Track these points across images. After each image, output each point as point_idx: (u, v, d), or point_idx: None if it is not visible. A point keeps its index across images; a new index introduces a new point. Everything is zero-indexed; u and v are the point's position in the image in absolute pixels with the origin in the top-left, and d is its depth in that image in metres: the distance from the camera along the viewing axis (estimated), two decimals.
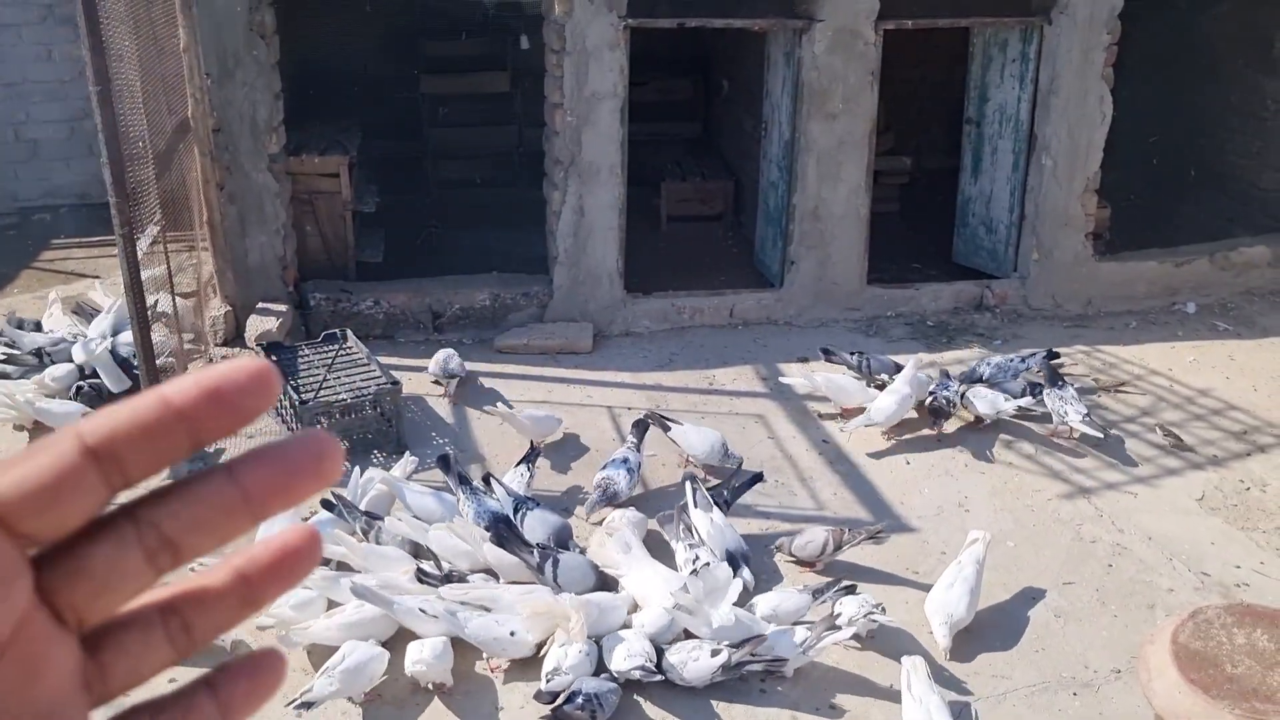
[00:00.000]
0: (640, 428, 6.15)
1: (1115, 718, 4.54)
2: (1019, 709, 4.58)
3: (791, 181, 8.18)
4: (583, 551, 5.24)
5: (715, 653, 4.54)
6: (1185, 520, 5.89)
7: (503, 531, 4.91)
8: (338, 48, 10.14)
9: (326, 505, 5.37)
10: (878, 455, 6.54)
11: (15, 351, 7.09)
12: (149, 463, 0.47)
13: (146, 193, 6.14)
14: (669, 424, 6.28)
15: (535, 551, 4.89)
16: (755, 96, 9.35)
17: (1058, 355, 7.56)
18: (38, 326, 7.53)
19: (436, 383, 7.15)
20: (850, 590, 4.99)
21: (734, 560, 5.09)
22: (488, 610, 4.61)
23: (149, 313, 6.02)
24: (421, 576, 4.74)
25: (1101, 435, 6.46)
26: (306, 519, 5.59)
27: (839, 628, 4.57)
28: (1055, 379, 6.77)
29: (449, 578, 4.77)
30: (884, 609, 4.85)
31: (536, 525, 5.30)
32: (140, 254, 5.95)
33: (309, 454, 0.49)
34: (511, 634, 4.50)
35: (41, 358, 7.08)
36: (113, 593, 0.48)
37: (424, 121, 10.85)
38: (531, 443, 6.15)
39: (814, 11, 7.75)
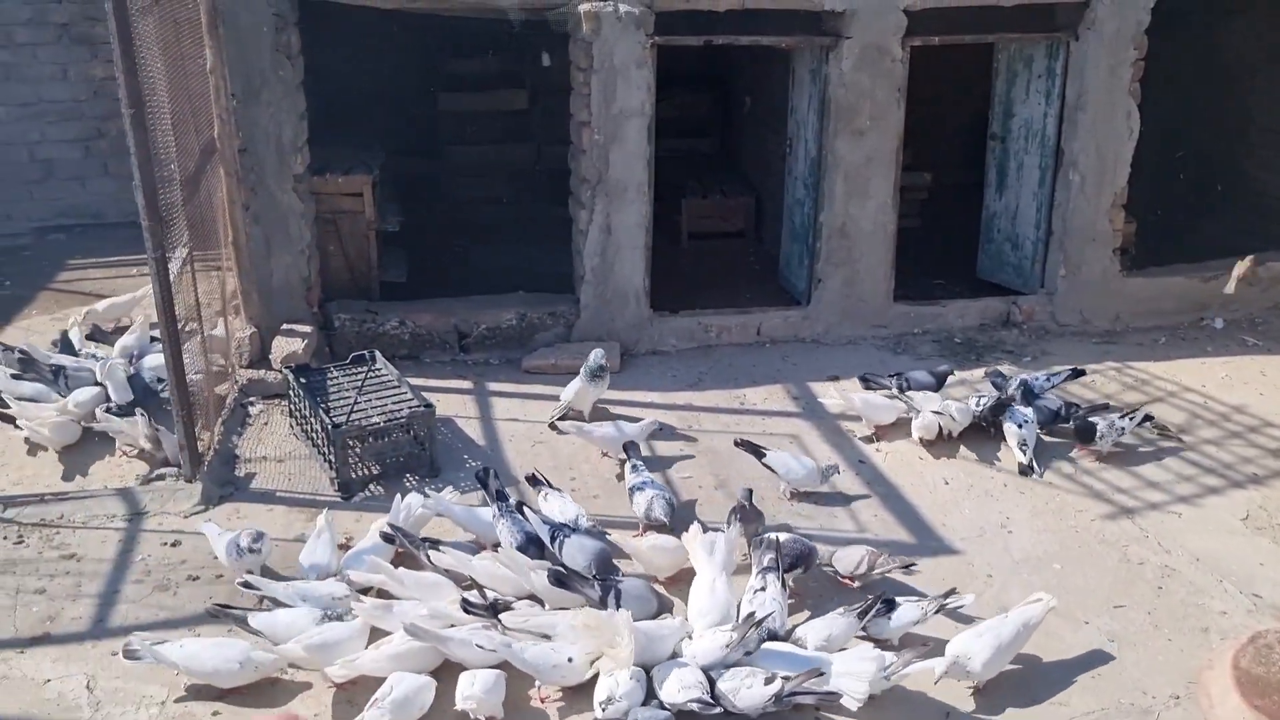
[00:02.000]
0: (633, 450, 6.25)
1: None
2: None
3: (818, 198, 8.13)
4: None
5: (769, 681, 4.46)
6: (1232, 541, 5.82)
7: (560, 574, 4.85)
8: (355, 66, 10.07)
9: (386, 537, 5.29)
10: (916, 476, 6.47)
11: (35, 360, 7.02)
12: None
13: (176, 215, 6.07)
14: (763, 451, 6.20)
15: (595, 585, 4.81)
16: (778, 113, 9.31)
17: (1083, 373, 7.51)
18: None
19: (556, 428, 6.86)
20: (890, 605, 4.93)
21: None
22: (545, 637, 4.53)
23: (181, 335, 5.94)
24: (467, 607, 4.66)
25: (1033, 471, 6.44)
26: (345, 545, 5.53)
27: (928, 646, 4.49)
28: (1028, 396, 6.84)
29: (494, 607, 4.69)
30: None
31: (576, 552, 5.22)
32: (171, 277, 5.87)
33: None
34: (569, 660, 4.43)
35: (58, 377, 7.01)
36: None
37: (441, 139, 10.79)
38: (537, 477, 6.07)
39: (842, 28, 7.71)
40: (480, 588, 4.85)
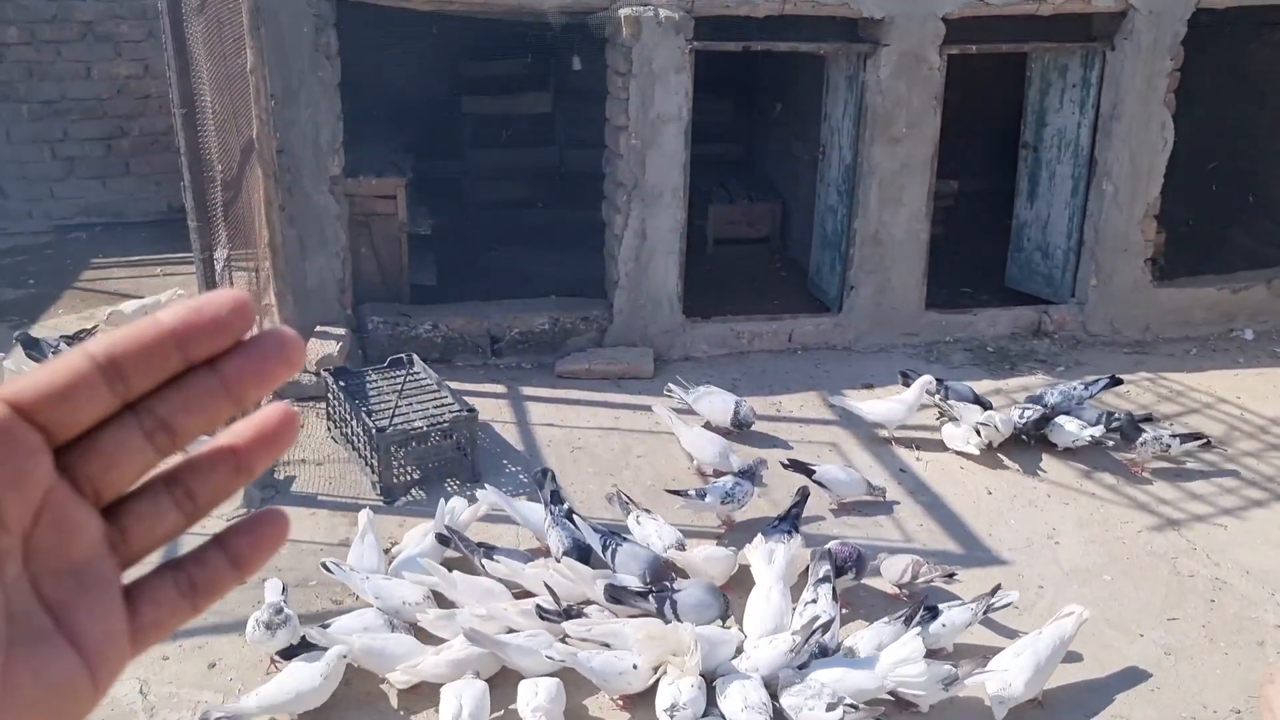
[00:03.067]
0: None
1: None
2: None
3: (852, 205, 8.12)
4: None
5: (831, 707, 4.41)
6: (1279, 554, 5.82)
7: (616, 590, 4.82)
8: (379, 68, 10.04)
9: (442, 540, 5.25)
10: (958, 485, 6.45)
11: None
12: (147, 375, 0.56)
13: (218, 216, 6.04)
14: (812, 469, 6.12)
15: (651, 598, 4.78)
16: (806, 119, 9.30)
17: (1121, 381, 7.50)
18: None
19: (703, 473, 6.49)
20: (934, 611, 4.91)
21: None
22: (607, 645, 4.50)
23: None
24: (542, 613, 4.63)
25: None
26: (388, 550, 5.49)
27: (986, 660, 4.47)
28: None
29: (568, 613, 4.66)
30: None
31: (629, 561, 5.20)
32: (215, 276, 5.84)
33: (274, 344, 0.58)
34: (634, 666, 4.40)
35: None
36: (121, 468, 0.57)
37: (464, 142, 10.75)
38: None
39: (880, 35, 7.70)
40: (553, 593, 4.81)
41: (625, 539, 5.37)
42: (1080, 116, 8.26)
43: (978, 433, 6.64)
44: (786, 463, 6.26)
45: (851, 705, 4.38)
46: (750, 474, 5.89)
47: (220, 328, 0.56)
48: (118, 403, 0.55)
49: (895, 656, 4.60)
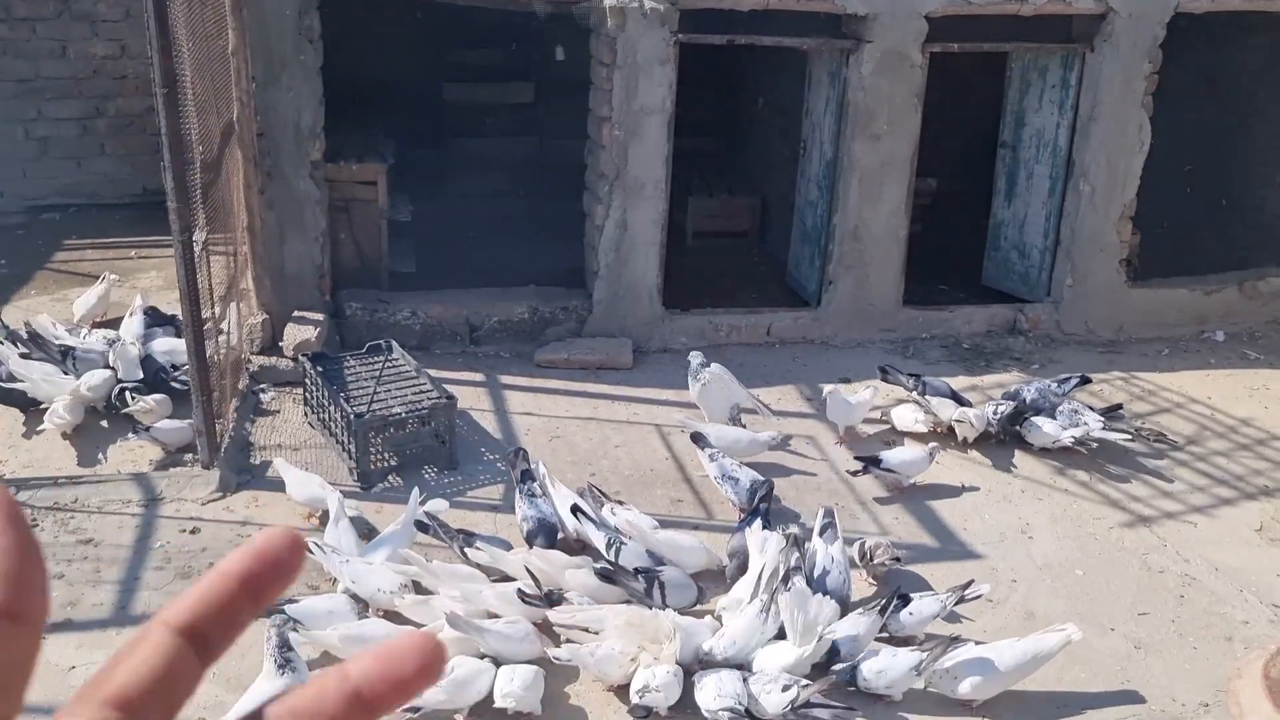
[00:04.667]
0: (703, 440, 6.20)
1: None
2: None
3: (832, 201, 8.15)
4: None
5: (786, 688, 4.46)
6: (1249, 552, 5.90)
7: (608, 571, 4.84)
8: (361, 53, 9.98)
9: (421, 526, 5.24)
10: (933, 480, 6.50)
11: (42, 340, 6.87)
12: (226, 632, 0.55)
13: (198, 198, 5.98)
14: (879, 457, 6.26)
15: (640, 577, 4.80)
16: (788, 114, 9.33)
17: (1090, 380, 7.57)
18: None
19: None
20: (905, 600, 4.96)
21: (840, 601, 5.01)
22: (586, 630, 4.52)
23: (203, 320, 5.86)
24: (524, 597, 4.63)
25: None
26: (366, 538, 5.46)
27: (959, 640, 4.51)
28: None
29: (550, 597, 4.66)
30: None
31: (633, 559, 5.19)
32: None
33: (414, 655, 0.54)
34: (633, 660, 4.43)
35: (66, 359, 6.88)
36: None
37: (445, 130, 10.71)
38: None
39: (863, 33, 7.73)
40: (535, 578, 4.82)
41: (627, 541, 5.34)
42: (1059, 117, 8.33)
43: (952, 429, 6.74)
44: (859, 464, 6.29)
45: (805, 683, 4.42)
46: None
47: (283, 571, 0.56)
48: (204, 669, 0.55)
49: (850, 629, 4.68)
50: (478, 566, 5.12)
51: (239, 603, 0.55)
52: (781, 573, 4.76)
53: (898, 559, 5.49)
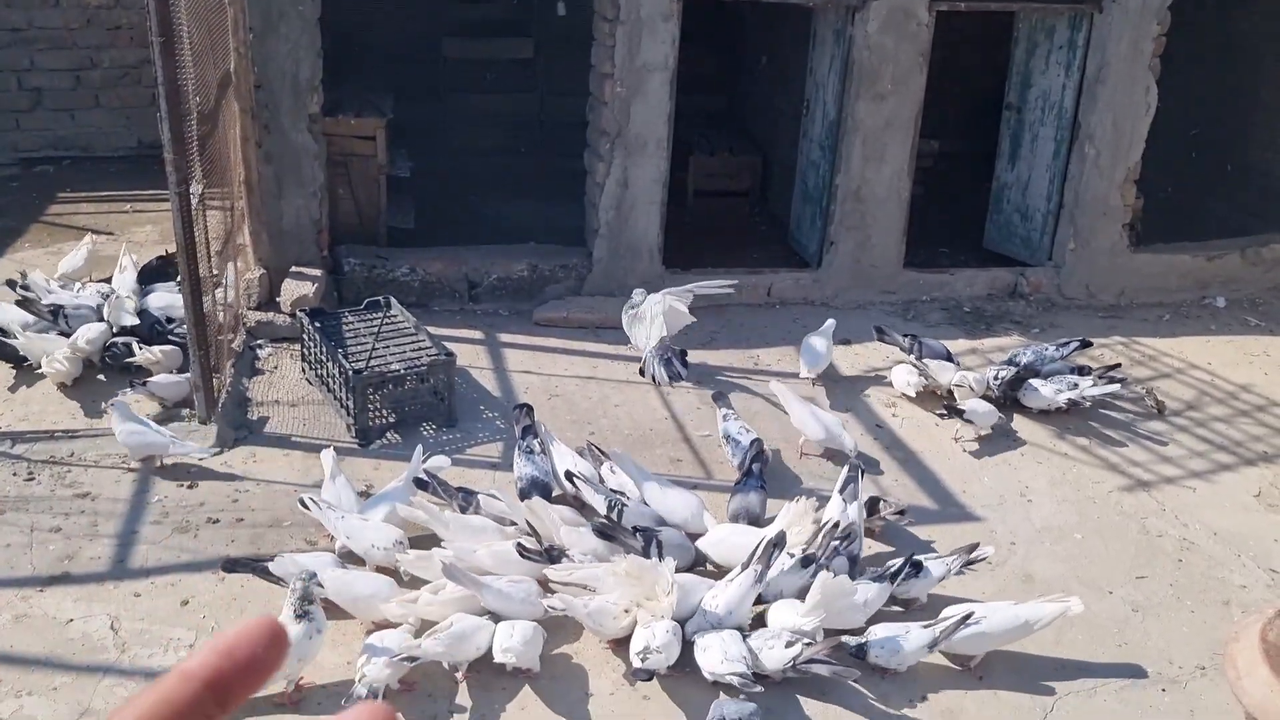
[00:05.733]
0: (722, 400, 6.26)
1: (1205, 714, 4.53)
2: (1110, 704, 4.56)
3: (835, 161, 8.08)
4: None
5: (790, 644, 4.46)
6: (1247, 517, 5.90)
7: (605, 526, 4.83)
8: (361, 6, 9.84)
9: (420, 484, 5.22)
10: (933, 442, 6.49)
11: (33, 298, 6.81)
12: None
13: (194, 149, 5.90)
14: (960, 409, 6.44)
15: (638, 535, 4.79)
16: (790, 73, 9.22)
17: (1091, 344, 7.54)
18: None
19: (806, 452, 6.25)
20: (918, 567, 4.95)
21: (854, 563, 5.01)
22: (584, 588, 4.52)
23: (200, 273, 5.80)
24: (523, 552, 4.62)
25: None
26: (365, 494, 5.44)
27: (970, 618, 4.51)
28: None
29: (550, 552, 4.65)
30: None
31: (634, 520, 5.18)
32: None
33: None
34: (627, 611, 4.42)
35: (57, 317, 6.82)
36: None
37: (445, 86, 10.59)
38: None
39: None
40: (535, 533, 4.80)
41: (627, 501, 5.32)
42: (1065, 78, 8.24)
43: (951, 393, 6.73)
44: (944, 410, 6.57)
45: (808, 641, 4.42)
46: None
47: (257, 670, 0.51)
48: None
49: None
50: (491, 517, 5.09)
51: (201, 709, 0.49)
52: (824, 551, 4.77)
53: (902, 512, 5.51)
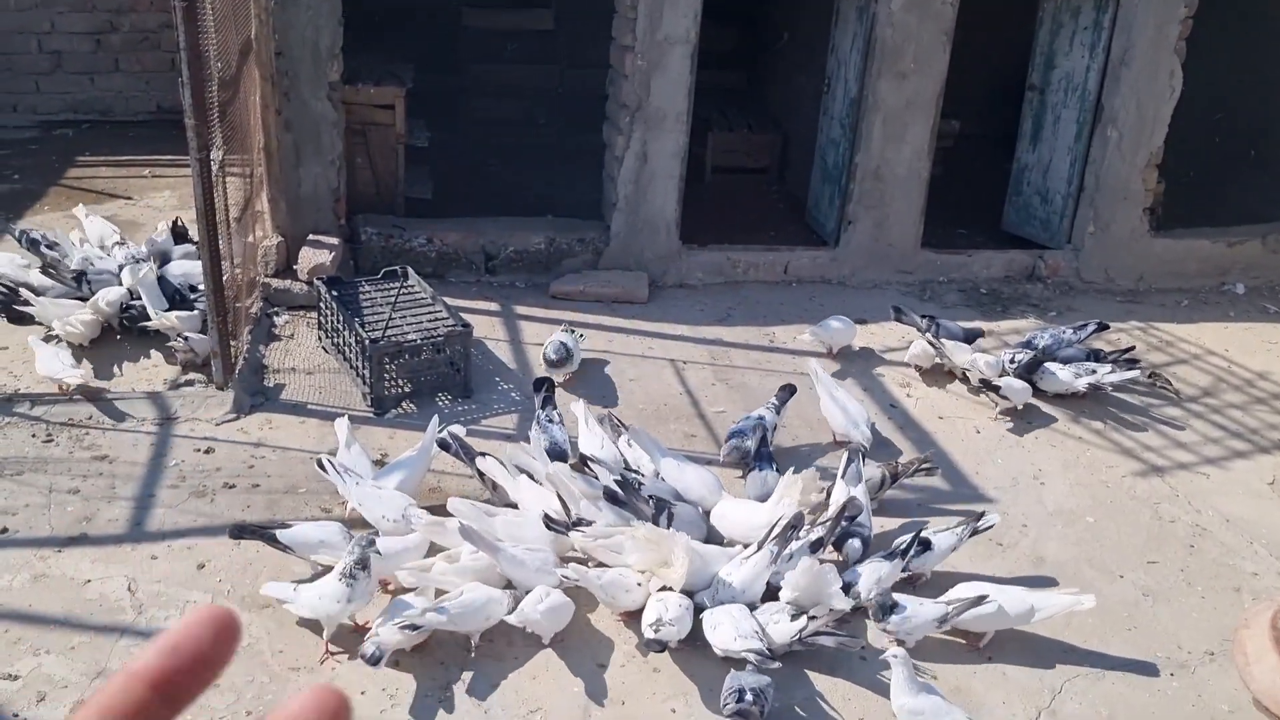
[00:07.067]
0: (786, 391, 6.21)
1: (1213, 699, 4.54)
2: (1118, 687, 4.57)
3: (855, 140, 8.04)
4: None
5: (795, 617, 4.49)
6: (1260, 504, 5.90)
7: (615, 491, 4.84)
8: None
9: (443, 445, 5.25)
10: (947, 421, 6.49)
11: (59, 259, 6.86)
12: None
13: (215, 116, 5.91)
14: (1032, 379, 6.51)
15: (651, 503, 4.82)
16: (812, 50, 9.17)
17: (1108, 327, 7.51)
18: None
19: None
20: (926, 545, 4.96)
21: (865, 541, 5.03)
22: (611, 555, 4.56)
23: (219, 241, 5.82)
24: (549, 524, 4.64)
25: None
26: (380, 462, 5.47)
27: (983, 599, 4.52)
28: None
29: (578, 524, 4.68)
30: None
31: (651, 494, 5.21)
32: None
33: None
34: (639, 584, 4.45)
35: (80, 283, 6.85)
36: None
37: (464, 56, 10.56)
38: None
39: None
40: (564, 503, 4.83)
41: (644, 479, 5.34)
42: (1090, 60, 8.18)
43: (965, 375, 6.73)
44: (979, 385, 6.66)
45: (814, 616, 4.44)
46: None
47: (206, 666, 0.49)
48: None
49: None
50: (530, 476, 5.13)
51: (148, 711, 0.48)
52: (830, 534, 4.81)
53: (929, 464, 5.63)
